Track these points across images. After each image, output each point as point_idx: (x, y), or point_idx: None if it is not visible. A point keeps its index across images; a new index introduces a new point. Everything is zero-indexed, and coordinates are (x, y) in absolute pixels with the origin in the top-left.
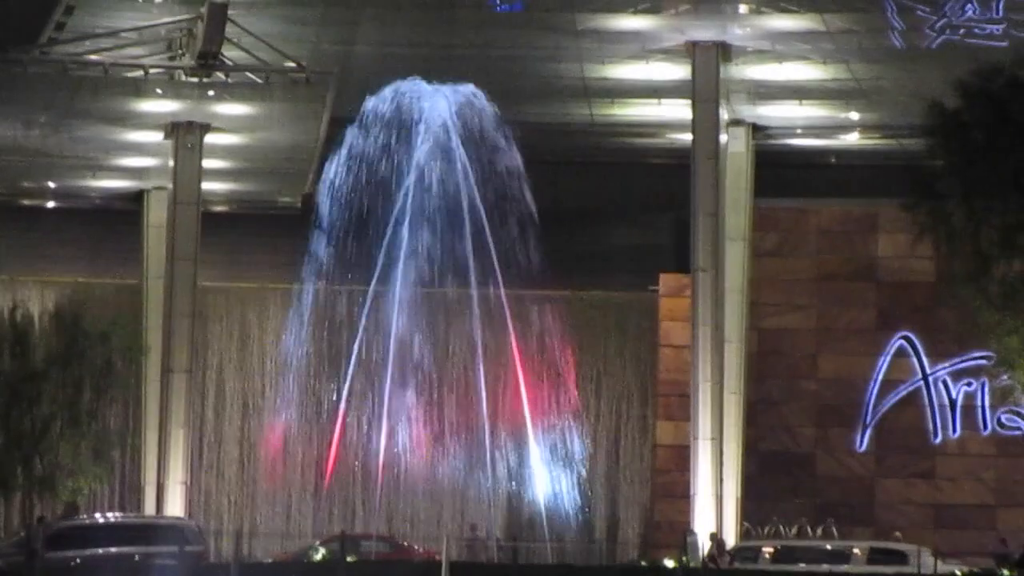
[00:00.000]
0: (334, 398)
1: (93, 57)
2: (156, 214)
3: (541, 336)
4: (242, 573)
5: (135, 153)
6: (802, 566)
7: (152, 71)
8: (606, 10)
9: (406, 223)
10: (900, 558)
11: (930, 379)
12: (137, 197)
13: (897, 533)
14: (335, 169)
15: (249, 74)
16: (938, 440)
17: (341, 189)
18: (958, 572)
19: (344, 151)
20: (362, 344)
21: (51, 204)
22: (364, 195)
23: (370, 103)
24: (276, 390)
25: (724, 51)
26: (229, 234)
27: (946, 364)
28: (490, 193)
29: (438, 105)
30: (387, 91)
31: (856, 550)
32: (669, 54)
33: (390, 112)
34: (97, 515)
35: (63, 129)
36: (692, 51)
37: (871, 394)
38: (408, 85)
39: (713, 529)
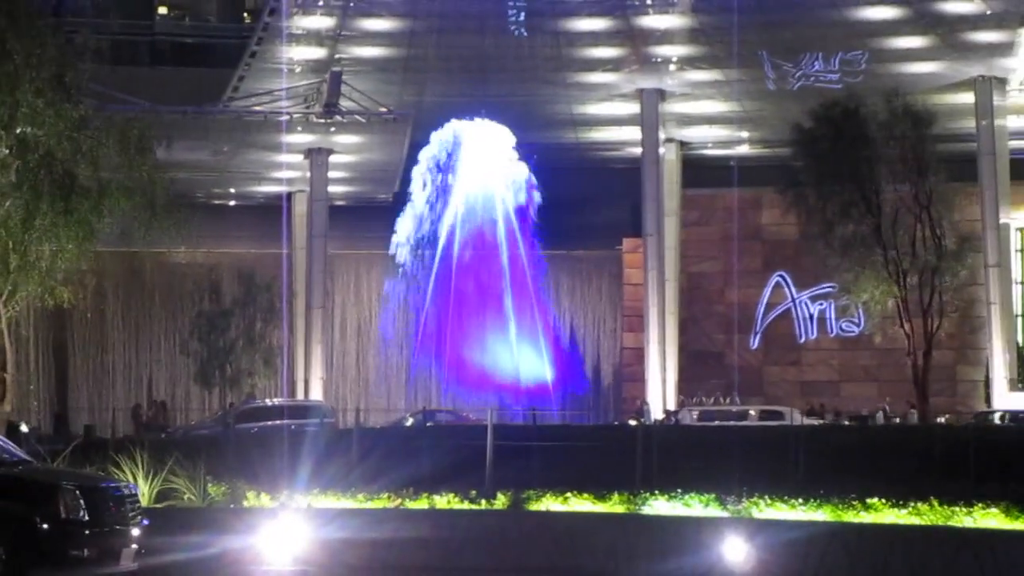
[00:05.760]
0: (415, 322)
1: (257, 108)
2: (299, 208)
3: (547, 279)
4: (360, 435)
5: (285, 169)
6: (717, 422)
7: (295, 116)
8: (585, 70)
9: (457, 210)
10: (779, 416)
11: (797, 302)
12: (288, 197)
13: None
14: (413, 176)
15: (356, 116)
16: (802, 340)
17: (418, 189)
18: (816, 423)
19: (420, 164)
20: (431, 288)
21: (232, 203)
22: (432, 194)
23: (434, 134)
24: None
25: (661, 95)
26: (347, 219)
27: (807, 292)
28: (512, 189)
29: (478, 135)
30: (445, 126)
31: (751, 411)
32: (626, 97)
33: (447, 139)
34: (267, 400)
35: (239, 154)
36: (640, 95)
37: (759, 312)
38: (459, 123)
39: (658, 402)
